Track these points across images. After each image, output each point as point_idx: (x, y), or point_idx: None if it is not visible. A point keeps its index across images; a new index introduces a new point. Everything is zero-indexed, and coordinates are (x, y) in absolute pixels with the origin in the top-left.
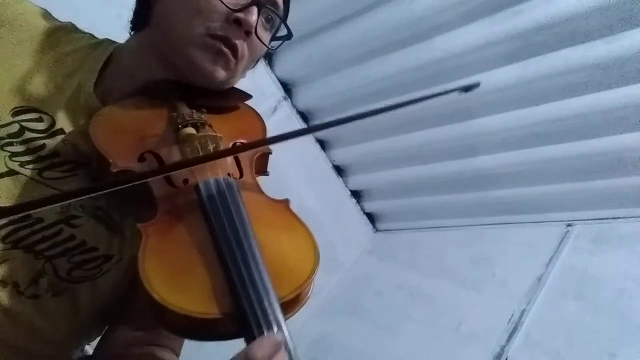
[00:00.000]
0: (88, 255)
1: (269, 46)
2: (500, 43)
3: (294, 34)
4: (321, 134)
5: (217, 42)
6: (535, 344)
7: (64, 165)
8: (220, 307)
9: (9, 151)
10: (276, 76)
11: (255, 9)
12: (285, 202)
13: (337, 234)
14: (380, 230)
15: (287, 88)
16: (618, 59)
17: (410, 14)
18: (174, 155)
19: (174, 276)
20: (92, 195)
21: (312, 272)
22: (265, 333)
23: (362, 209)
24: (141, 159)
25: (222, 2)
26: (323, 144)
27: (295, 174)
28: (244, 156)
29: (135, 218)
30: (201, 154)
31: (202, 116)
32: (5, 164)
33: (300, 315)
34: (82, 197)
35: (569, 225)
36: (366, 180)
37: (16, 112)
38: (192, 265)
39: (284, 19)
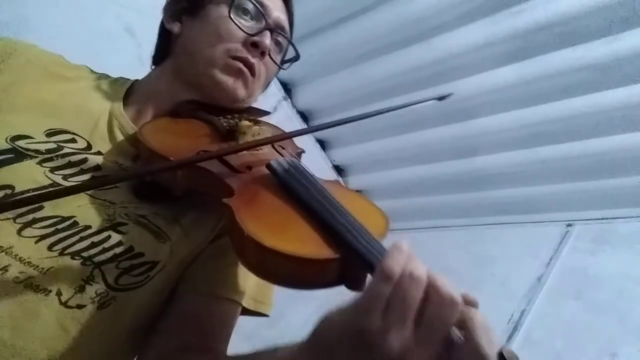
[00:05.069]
0: (136, 261)
1: (281, 66)
2: (500, 43)
3: (294, 33)
4: (321, 133)
5: (237, 62)
6: (535, 344)
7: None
8: (330, 249)
9: (48, 166)
10: (276, 76)
11: (268, 33)
12: (338, 182)
13: None
14: None
15: (287, 88)
16: (618, 59)
17: (410, 14)
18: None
19: (279, 230)
20: (171, 168)
21: (388, 222)
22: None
23: None
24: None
25: (240, 28)
26: (323, 144)
27: None
28: (287, 153)
29: (182, 227)
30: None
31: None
32: (47, 176)
33: (301, 314)
34: (157, 171)
35: (569, 225)
36: (366, 180)
37: (50, 134)
38: (289, 222)
39: (291, 42)
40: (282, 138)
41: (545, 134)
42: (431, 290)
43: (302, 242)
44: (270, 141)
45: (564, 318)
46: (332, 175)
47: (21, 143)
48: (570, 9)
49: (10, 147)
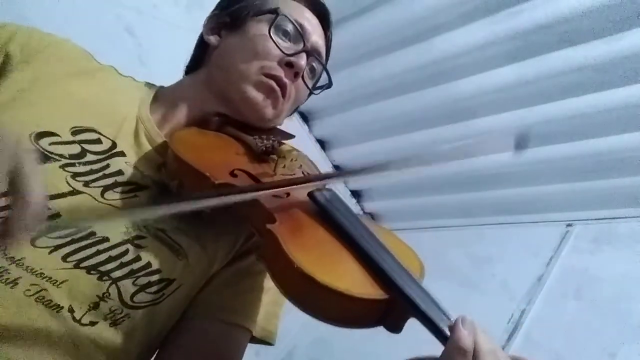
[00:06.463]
0: (153, 277)
1: (312, 91)
2: (500, 43)
3: None
4: (321, 133)
5: (270, 80)
6: (535, 344)
7: (126, 185)
8: (380, 289)
9: (70, 171)
10: None
11: (304, 56)
12: (367, 217)
13: None
14: None
15: None
16: (618, 59)
17: (410, 14)
18: (261, 171)
19: (326, 263)
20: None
21: (423, 266)
22: (427, 309)
23: (362, 209)
24: (233, 174)
25: (277, 47)
26: (323, 144)
27: None
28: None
29: (200, 244)
30: (296, 168)
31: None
32: (68, 182)
33: (301, 315)
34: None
35: (569, 225)
36: (366, 180)
37: (76, 131)
38: (337, 256)
39: (326, 68)
40: (330, 176)
41: (545, 134)
42: None
43: (353, 279)
44: (323, 178)
45: (564, 318)
46: None
47: (45, 142)
48: (570, 9)
49: (34, 147)
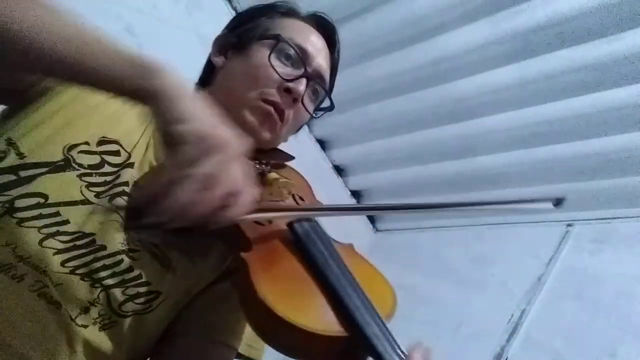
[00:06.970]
0: (142, 289)
1: (313, 114)
2: (500, 43)
3: None
4: (321, 133)
5: (268, 106)
6: (535, 344)
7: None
8: (340, 327)
9: (86, 181)
10: None
11: (304, 81)
12: (351, 246)
13: (338, 234)
14: (380, 230)
15: None
16: (618, 59)
17: (410, 14)
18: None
19: (291, 298)
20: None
21: (395, 301)
22: (384, 352)
23: None
24: None
25: (277, 72)
26: (323, 144)
27: None
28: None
29: (190, 259)
30: (284, 196)
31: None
32: (82, 192)
33: None
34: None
35: (569, 225)
36: (366, 180)
37: (101, 142)
38: (303, 289)
39: (328, 92)
40: (320, 210)
41: (545, 134)
42: None
43: (314, 314)
44: (311, 211)
45: (564, 318)
46: (332, 175)
47: (75, 152)
48: (570, 9)
49: (64, 157)
